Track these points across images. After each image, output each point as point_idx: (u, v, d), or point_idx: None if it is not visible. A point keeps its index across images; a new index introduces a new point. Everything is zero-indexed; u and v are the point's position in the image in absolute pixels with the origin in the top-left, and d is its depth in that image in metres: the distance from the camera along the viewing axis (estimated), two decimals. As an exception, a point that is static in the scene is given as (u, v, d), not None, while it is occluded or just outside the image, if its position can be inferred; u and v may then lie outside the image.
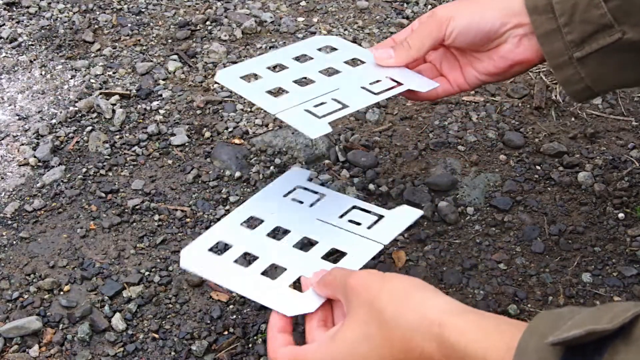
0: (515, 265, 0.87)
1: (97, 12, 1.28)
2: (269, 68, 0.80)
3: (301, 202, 0.81)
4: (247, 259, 0.78)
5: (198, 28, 1.25)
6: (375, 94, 0.75)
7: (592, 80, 0.71)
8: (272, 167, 0.99)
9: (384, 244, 0.74)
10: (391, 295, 0.58)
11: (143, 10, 1.29)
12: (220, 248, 0.82)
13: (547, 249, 0.89)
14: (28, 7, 1.29)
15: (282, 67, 0.81)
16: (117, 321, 0.81)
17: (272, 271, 0.72)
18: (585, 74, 0.71)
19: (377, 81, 0.77)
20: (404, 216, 0.77)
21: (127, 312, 0.82)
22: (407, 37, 0.77)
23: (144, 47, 1.21)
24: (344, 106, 0.73)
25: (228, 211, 0.94)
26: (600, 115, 1.09)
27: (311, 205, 0.80)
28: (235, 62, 1.17)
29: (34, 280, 0.86)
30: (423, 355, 0.55)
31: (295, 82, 0.78)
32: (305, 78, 0.80)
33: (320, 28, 1.24)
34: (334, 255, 0.75)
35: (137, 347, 0.79)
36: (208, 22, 1.26)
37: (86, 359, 0.78)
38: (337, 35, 1.23)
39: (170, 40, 1.22)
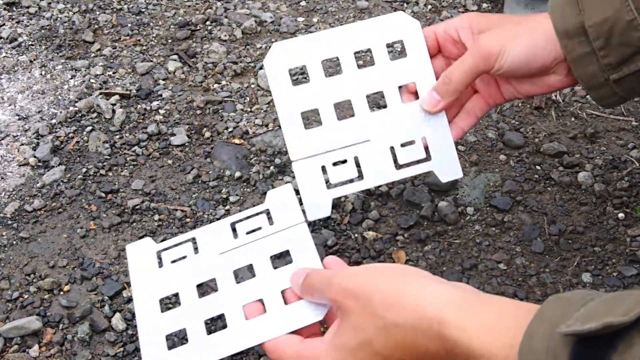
0: (515, 265, 0.87)
1: (97, 12, 1.28)
2: (323, 61, 0.76)
3: (184, 257, 0.72)
4: (207, 327, 0.73)
5: (198, 28, 1.25)
6: (397, 169, 0.73)
7: (627, 93, 0.71)
8: (272, 167, 0.99)
9: (302, 221, 0.71)
10: (383, 296, 0.56)
11: (143, 10, 1.29)
12: (175, 338, 0.77)
13: (547, 249, 0.89)
14: (28, 7, 1.29)
15: (334, 65, 0.78)
16: (117, 321, 0.81)
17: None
18: (621, 91, 0.70)
19: (410, 143, 0.74)
20: (282, 193, 0.73)
21: (127, 312, 0.82)
22: (446, 72, 0.73)
23: (144, 47, 1.21)
24: (360, 177, 0.73)
25: (228, 211, 0.94)
26: (600, 115, 1.09)
27: (195, 253, 0.71)
28: (235, 62, 1.17)
29: (34, 280, 0.86)
30: (428, 352, 0.54)
31: (335, 105, 0.75)
32: (347, 109, 0.76)
33: (320, 28, 1.24)
34: (280, 259, 0.73)
35: (137, 347, 0.79)
36: (208, 22, 1.26)
37: (86, 359, 0.78)
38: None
39: (170, 40, 1.22)
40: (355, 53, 0.76)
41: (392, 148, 0.74)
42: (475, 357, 0.51)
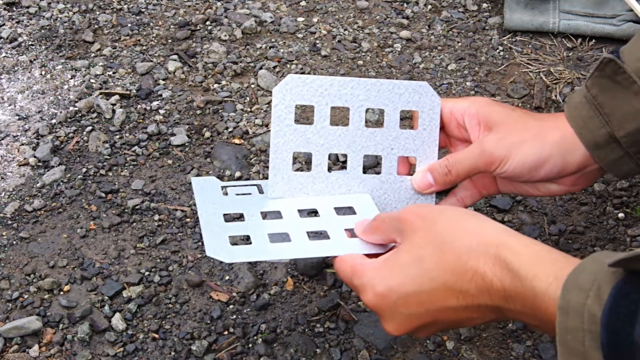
0: (515, 265, 0.87)
1: (97, 12, 1.28)
2: (332, 107, 0.75)
3: (249, 194, 0.75)
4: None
5: (198, 28, 1.25)
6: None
7: None
8: (272, 167, 0.99)
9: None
10: (448, 222, 0.60)
11: (143, 10, 1.29)
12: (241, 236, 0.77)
13: (547, 249, 0.89)
14: (28, 7, 1.29)
15: (342, 113, 0.77)
16: (117, 321, 0.81)
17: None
18: None
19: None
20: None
21: (127, 312, 0.82)
22: (448, 160, 0.74)
23: (144, 47, 1.21)
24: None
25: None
26: (600, 115, 1.09)
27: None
28: (235, 62, 1.17)
29: (34, 280, 0.86)
30: (475, 276, 0.56)
31: (330, 155, 0.75)
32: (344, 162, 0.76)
33: (320, 28, 1.24)
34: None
35: (137, 347, 0.79)
36: (208, 22, 1.26)
37: (86, 359, 0.78)
38: (337, 35, 1.23)
39: (170, 40, 1.22)
40: (367, 109, 0.75)
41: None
42: (520, 280, 0.53)
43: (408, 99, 0.75)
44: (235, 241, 0.69)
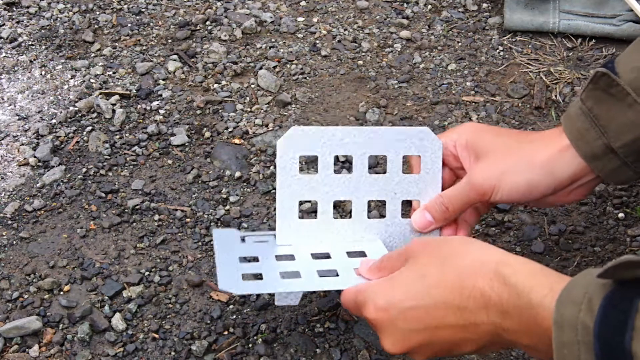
0: (515, 265, 0.87)
1: (97, 12, 1.28)
2: (335, 157, 0.77)
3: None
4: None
5: (198, 28, 1.25)
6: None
7: None
8: (272, 167, 0.99)
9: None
10: (451, 246, 0.63)
11: (143, 10, 1.29)
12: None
13: (547, 249, 0.89)
14: (28, 7, 1.29)
15: (345, 163, 0.83)
16: (117, 321, 0.81)
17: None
18: None
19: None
20: None
21: (127, 312, 0.82)
22: (443, 197, 0.76)
23: (144, 47, 1.21)
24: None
25: (228, 211, 0.94)
26: (600, 115, 1.09)
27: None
28: (235, 62, 1.17)
29: (34, 280, 0.86)
30: (474, 291, 0.58)
31: (335, 202, 0.78)
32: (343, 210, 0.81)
33: (320, 28, 1.24)
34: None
35: (137, 347, 0.79)
36: (208, 22, 1.26)
37: (86, 359, 0.78)
38: (337, 35, 1.23)
39: (170, 40, 1.22)
40: (369, 157, 0.77)
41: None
42: (517, 293, 0.55)
43: (409, 145, 0.77)
44: (248, 278, 0.72)
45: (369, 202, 0.78)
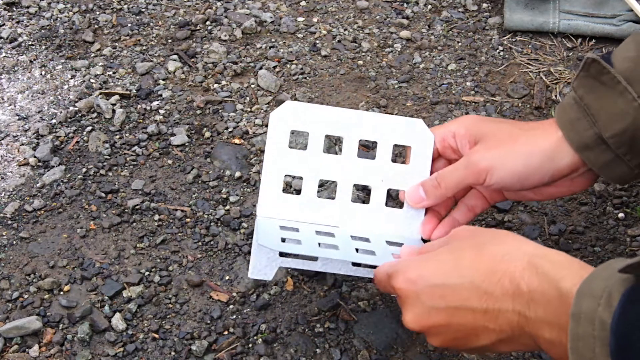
0: (515, 265, 0.87)
1: (97, 12, 1.28)
2: (326, 137, 0.77)
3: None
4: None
5: (198, 28, 1.25)
6: (352, 265, 0.73)
7: None
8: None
9: (419, 238, 0.77)
10: (492, 234, 0.63)
11: (143, 10, 1.29)
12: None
13: (547, 249, 0.89)
14: (28, 7, 1.29)
15: (337, 143, 0.81)
16: (117, 321, 0.81)
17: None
18: None
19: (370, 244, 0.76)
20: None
21: (127, 312, 0.82)
22: (438, 174, 0.75)
23: (144, 47, 1.21)
24: (313, 258, 0.73)
25: (228, 211, 0.94)
26: (600, 115, 1.09)
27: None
28: (235, 62, 1.17)
29: (34, 280, 0.86)
30: (503, 277, 0.58)
31: (323, 185, 0.78)
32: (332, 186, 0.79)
33: (320, 28, 1.24)
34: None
35: (137, 347, 0.79)
36: (208, 22, 1.26)
37: (86, 359, 0.79)
38: (337, 35, 1.23)
39: (170, 40, 1.22)
40: (360, 140, 0.76)
41: (356, 250, 0.74)
42: (548, 281, 0.55)
43: (402, 134, 0.76)
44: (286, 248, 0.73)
45: (355, 185, 0.78)
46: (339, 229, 0.76)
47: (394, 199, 0.83)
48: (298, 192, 0.76)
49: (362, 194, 0.88)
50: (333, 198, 0.77)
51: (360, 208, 0.77)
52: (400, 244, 0.75)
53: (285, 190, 0.76)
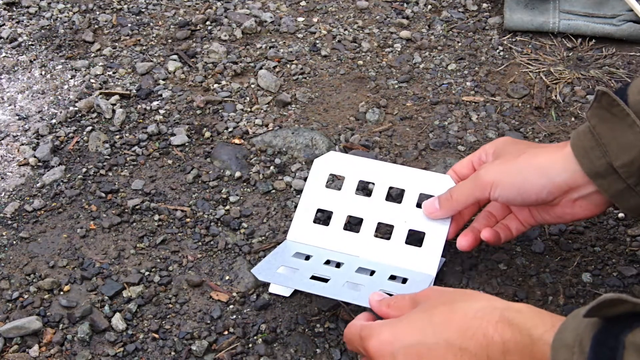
0: (515, 265, 0.87)
1: (97, 12, 1.28)
2: (360, 181, 0.85)
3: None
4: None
5: (198, 28, 1.25)
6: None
7: None
8: (272, 167, 0.99)
9: (432, 274, 0.80)
10: (462, 293, 0.65)
11: (143, 10, 1.29)
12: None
13: (547, 249, 0.89)
14: (28, 7, 1.29)
15: (365, 194, 0.88)
16: (117, 321, 0.81)
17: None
18: None
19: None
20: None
21: (127, 312, 0.82)
22: (451, 188, 0.80)
23: (144, 47, 1.21)
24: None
25: (228, 211, 0.94)
26: (600, 115, 1.09)
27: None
28: (235, 62, 1.17)
29: (34, 280, 0.86)
30: (477, 333, 0.59)
31: (348, 217, 0.83)
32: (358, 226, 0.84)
33: (320, 28, 1.24)
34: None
35: (137, 347, 0.79)
36: (208, 22, 1.26)
37: (86, 359, 0.79)
38: (337, 35, 1.23)
39: (170, 40, 1.23)
40: (390, 188, 0.84)
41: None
42: (519, 331, 0.57)
43: (429, 186, 0.83)
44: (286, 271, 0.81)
45: (379, 223, 0.83)
46: (351, 258, 0.81)
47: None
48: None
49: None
50: (357, 231, 0.83)
51: (381, 242, 0.82)
52: (404, 280, 0.79)
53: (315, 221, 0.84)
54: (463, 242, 0.81)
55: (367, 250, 0.82)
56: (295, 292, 0.84)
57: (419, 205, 0.82)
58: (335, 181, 0.95)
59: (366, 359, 0.68)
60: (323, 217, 0.88)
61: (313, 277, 0.78)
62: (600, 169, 0.71)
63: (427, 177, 0.84)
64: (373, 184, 0.85)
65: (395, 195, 0.90)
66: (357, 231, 0.83)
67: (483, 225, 0.82)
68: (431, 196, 0.82)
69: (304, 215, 0.84)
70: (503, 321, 0.58)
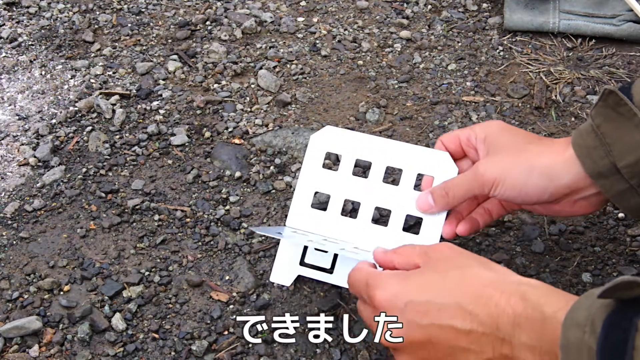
0: (515, 265, 0.87)
1: (97, 12, 1.28)
2: (357, 159, 0.82)
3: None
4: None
5: (198, 28, 1.25)
6: None
7: None
8: (272, 167, 0.99)
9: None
10: (479, 259, 0.64)
11: (143, 10, 1.29)
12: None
13: (547, 249, 0.89)
14: (28, 7, 1.29)
15: (364, 170, 0.89)
16: (117, 321, 0.81)
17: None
18: None
19: None
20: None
21: (127, 312, 0.82)
22: (446, 183, 0.78)
23: (144, 47, 1.21)
24: (330, 271, 0.81)
25: (228, 211, 0.94)
26: (600, 115, 1.09)
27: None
28: (235, 62, 1.17)
29: (34, 280, 0.86)
30: (490, 301, 0.59)
31: (346, 200, 0.83)
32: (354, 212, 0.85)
33: (320, 28, 1.24)
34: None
35: (137, 347, 0.79)
36: (208, 22, 1.26)
37: (86, 359, 0.79)
38: (337, 35, 1.23)
39: (170, 40, 1.22)
40: (387, 167, 0.82)
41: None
42: (532, 306, 0.56)
43: (427, 165, 0.81)
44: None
45: (376, 208, 0.82)
46: (349, 244, 0.81)
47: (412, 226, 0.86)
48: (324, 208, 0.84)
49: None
50: (355, 217, 0.82)
51: (378, 229, 0.81)
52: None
53: (313, 206, 0.83)
54: (461, 228, 0.80)
55: (364, 238, 0.81)
56: (296, 292, 0.84)
57: (416, 186, 0.81)
58: (331, 156, 0.95)
59: (366, 305, 0.67)
60: (322, 198, 0.89)
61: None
62: (603, 169, 0.70)
63: (425, 154, 0.81)
64: (370, 163, 0.83)
65: (392, 174, 0.90)
66: (355, 217, 0.82)
67: (467, 211, 0.81)
68: (429, 177, 0.80)
69: (302, 199, 0.83)
70: (517, 295, 0.58)
